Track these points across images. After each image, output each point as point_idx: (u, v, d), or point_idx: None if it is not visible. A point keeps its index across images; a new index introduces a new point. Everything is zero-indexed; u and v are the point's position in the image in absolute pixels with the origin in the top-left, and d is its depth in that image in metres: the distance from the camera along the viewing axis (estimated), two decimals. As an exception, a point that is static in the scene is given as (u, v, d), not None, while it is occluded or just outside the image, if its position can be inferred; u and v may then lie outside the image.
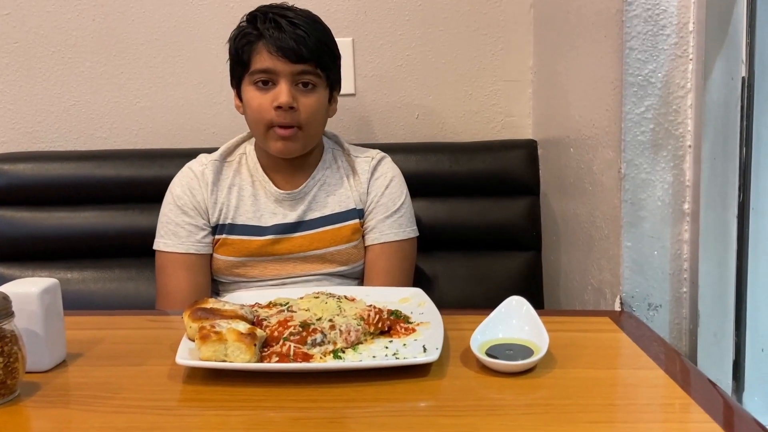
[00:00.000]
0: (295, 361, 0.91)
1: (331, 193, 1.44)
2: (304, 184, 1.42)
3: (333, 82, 1.41)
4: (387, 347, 0.97)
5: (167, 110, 1.89)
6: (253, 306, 1.08)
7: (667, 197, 1.17)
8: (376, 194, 1.44)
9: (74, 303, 1.72)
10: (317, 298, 1.09)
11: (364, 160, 1.47)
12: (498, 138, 1.91)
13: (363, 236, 1.45)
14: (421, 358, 0.90)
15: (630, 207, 1.17)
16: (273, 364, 0.89)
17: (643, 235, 1.18)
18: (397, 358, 0.92)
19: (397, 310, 1.08)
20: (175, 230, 1.39)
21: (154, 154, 1.80)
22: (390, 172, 1.47)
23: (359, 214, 1.44)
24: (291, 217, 1.41)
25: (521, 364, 0.90)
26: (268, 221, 1.40)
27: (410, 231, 1.46)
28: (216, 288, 1.48)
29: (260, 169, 1.43)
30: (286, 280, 1.41)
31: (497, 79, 1.90)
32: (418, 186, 1.66)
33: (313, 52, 1.32)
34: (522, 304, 1.00)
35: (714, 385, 0.91)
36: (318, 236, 1.41)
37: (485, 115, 1.92)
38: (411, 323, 1.06)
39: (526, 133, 1.92)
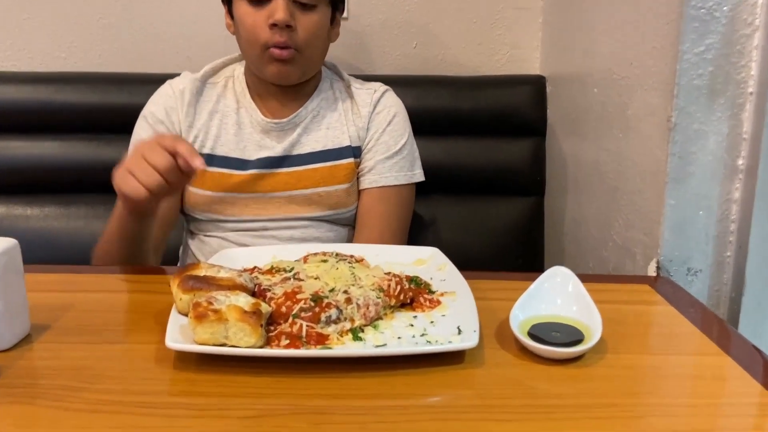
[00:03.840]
0: (308, 343, 0.77)
1: (325, 126, 1.28)
2: (295, 114, 1.27)
3: (336, 1, 1.23)
4: (412, 325, 0.84)
5: (135, 29, 1.67)
6: (252, 271, 0.92)
7: (719, 151, 1.03)
8: (377, 131, 1.29)
9: (36, 242, 1.58)
10: (325, 261, 0.94)
11: (366, 92, 1.32)
12: (503, 72, 1.75)
13: (358, 178, 1.30)
14: (459, 344, 0.76)
15: (678, 161, 1.04)
16: (284, 351, 0.75)
17: (689, 193, 1.05)
18: (428, 342, 0.78)
19: (417, 277, 0.94)
20: None
21: (121, 78, 1.62)
22: (394, 106, 1.32)
23: (355, 152, 1.28)
24: (277, 149, 1.26)
25: (575, 352, 0.77)
26: (252, 154, 1.25)
27: (411, 175, 1.31)
28: (189, 227, 1.33)
29: (248, 95, 1.27)
30: (267, 224, 1.27)
31: (505, 6, 1.72)
32: (414, 123, 1.51)
33: None
34: (568, 277, 0.87)
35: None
36: (306, 174, 1.26)
37: (489, 47, 1.75)
38: (433, 292, 0.92)
39: (534, 68, 1.76)
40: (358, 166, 1.29)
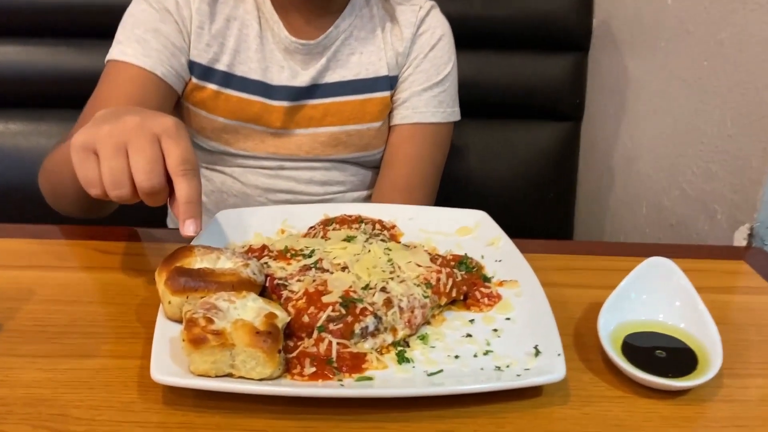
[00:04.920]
0: (340, 370, 0.58)
1: (359, 50, 1.05)
2: (324, 35, 1.03)
3: None
4: (470, 335, 0.65)
5: None
6: (260, 254, 0.72)
7: None
8: (418, 55, 1.06)
9: (1, 161, 1.38)
10: (352, 241, 0.74)
11: (410, 9, 1.07)
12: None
13: (390, 112, 1.08)
14: (540, 378, 0.58)
15: (797, 106, 0.82)
16: (311, 389, 0.56)
17: (803, 147, 0.85)
18: (498, 369, 0.59)
19: (467, 258, 0.75)
20: (144, 37, 0.97)
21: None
22: (440, 27, 1.08)
23: (391, 83, 1.06)
24: (303, 77, 1.03)
25: (694, 385, 0.59)
26: (275, 78, 1.02)
27: (451, 113, 1.09)
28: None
29: (268, 4, 1.02)
30: (285, 163, 1.06)
31: None
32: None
33: None
34: (671, 271, 0.68)
35: None
36: (334, 108, 1.04)
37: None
38: (489, 280, 0.73)
39: (579, -33, 1.49)
40: (393, 97, 1.07)
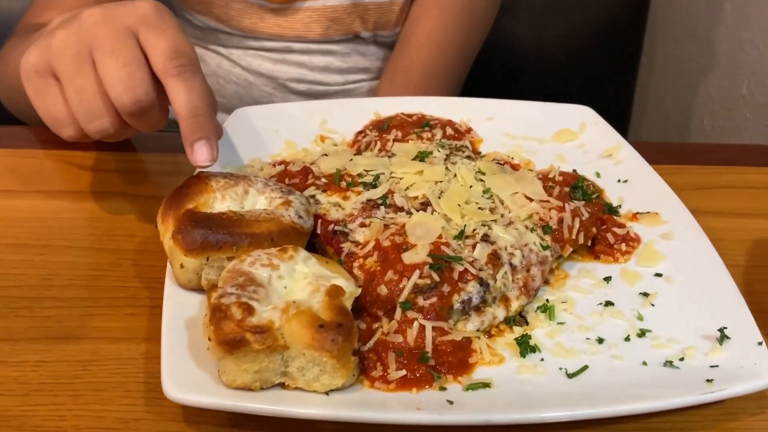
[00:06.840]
0: (440, 370, 0.40)
1: None
2: None
3: None
4: (610, 303, 0.45)
5: None
6: (303, 182, 0.51)
7: None
8: None
9: None
10: (427, 160, 0.53)
11: None
12: None
13: None
14: (747, 384, 0.39)
15: None
16: (405, 413, 0.37)
17: None
18: (670, 364, 0.41)
19: (582, 180, 0.54)
20: None
21: None
22: None
23: None
24: None
25: None
26: None
27: None
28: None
29: None
30: (293, 44, 0.83)
31: None
32: None
33: None
34: None
35: None
36: None
37: None
38: (617, 212, 0.53)
39: None
40: None
